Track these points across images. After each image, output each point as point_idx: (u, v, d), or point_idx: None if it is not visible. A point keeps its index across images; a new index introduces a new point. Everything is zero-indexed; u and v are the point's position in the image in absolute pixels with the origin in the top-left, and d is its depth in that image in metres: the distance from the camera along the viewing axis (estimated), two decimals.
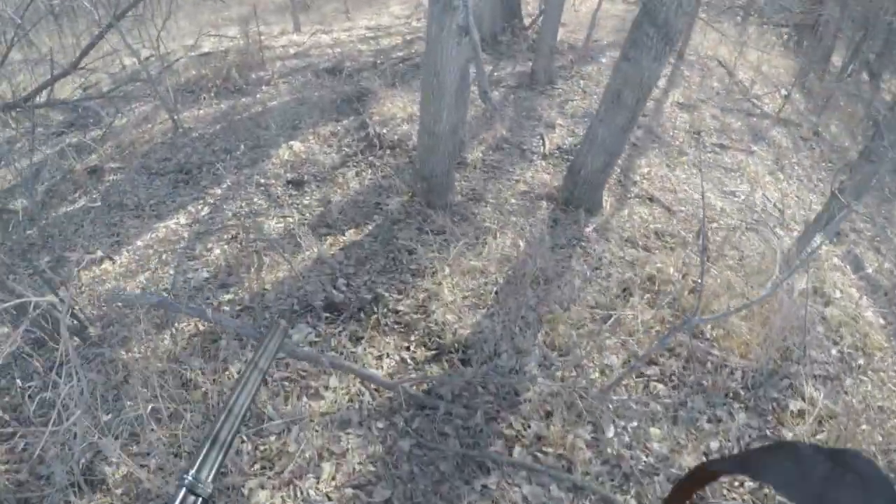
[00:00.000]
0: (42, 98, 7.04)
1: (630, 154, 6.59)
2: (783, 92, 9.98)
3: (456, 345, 3.58)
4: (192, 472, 0.87)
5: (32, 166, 7.03)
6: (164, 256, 4.88)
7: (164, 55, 9.69)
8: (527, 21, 10.42)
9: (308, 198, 5.35)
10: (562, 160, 6.18)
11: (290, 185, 5.56)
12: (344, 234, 4.67)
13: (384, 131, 6.34)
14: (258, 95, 7.89)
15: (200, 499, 0.85)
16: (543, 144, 6.42)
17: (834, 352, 4.04)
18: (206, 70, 8.84)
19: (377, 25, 11.66)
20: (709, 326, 3.90)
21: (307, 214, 5.08)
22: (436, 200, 4.85)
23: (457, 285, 4.01)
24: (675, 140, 7.31)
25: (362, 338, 3.59)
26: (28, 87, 7.08)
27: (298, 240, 4.53)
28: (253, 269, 4.24)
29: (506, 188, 5.49)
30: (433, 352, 3.55)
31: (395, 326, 3.72)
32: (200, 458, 0.89)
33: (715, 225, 5.46)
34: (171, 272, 4.64)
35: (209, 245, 4.87)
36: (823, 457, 0.51)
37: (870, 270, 5.82)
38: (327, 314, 3.76)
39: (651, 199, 5.63)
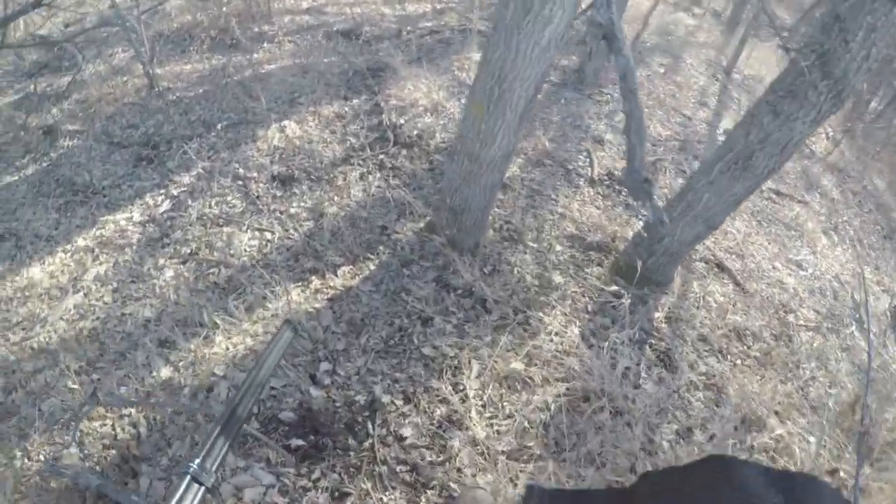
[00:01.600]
0: None
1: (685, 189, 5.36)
2: (829, 131, 8.89)
3: None
4: (197, 461, 0.88)
5: None
6: (104, 269, 3.76)
7: None
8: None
9: (296, 204, 4.18)
10: (612, 191, 4.97)
11: (276, 183, 4.39)
12: (336, 274, 3.50)
13: (401, 122, 5.12)
14: (256, 54, 6.63)
15: (203, 487, 0.85)
16: (591, 166, 5.20)
17: None
18: (202, 16, 7.57)
19: None
20: None
21: (291, 230, 3.91)
22: (463, 241, 3.68)
23: (490, 403, 2.84)
24: None
25: (349, 494, 2.36)
26: None
27: (271, 278, 3.38)
28: (201, 336, 3.08)
29: (549, 225, 4.29)
30: None
31: (399, 470, 2.49)
32: (206, 448, 0.90)
33: (795, 320, 4.24)
34: (107, 299, 3.52)
35: (160, 262, 3.74)
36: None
37: None
38: (298, 441, 2.52)
39: (720, 268, 4.43)
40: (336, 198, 4.23)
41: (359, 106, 5.46)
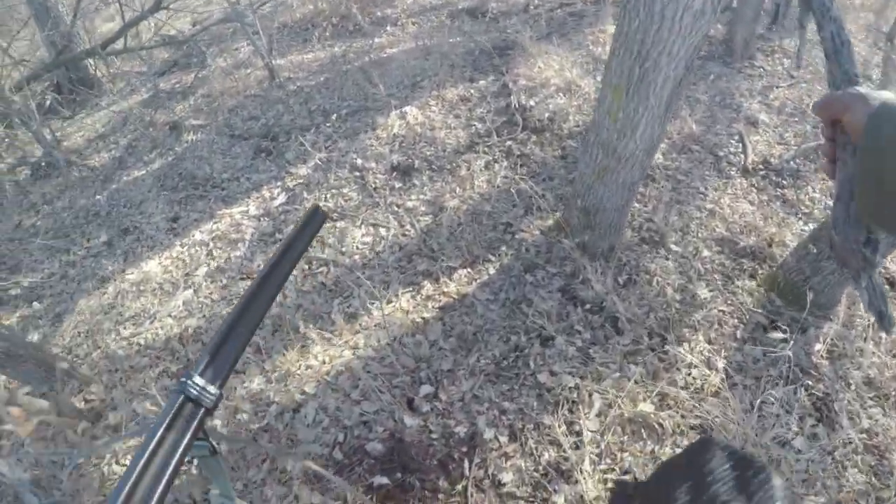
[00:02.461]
0: (120, 44, 6.04)
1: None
2: None
3: None
4: (195, 376, 0.65)
5: (119, 115, 6.11)
6: (215, 265, 3.60)
7: None
8: None
9: (415, 196, 3.79)
10: (769, 182, 4.11)
11: (395, 173, 4.03)
12: (451, 279, 3.06)
13: (531, 103, 4.57)
14: (377, 38, 6.35)
15: (202, 409, 0.64)
16: (745, 152, 4.35)
17: None
18: (323, 4, 7.44)
19: None
20: None
21: (407, 226, 3.53)
22: (595, 245, 3.09)
23: (607, 452, 2.27)
24: None
25: None
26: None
27: (381, 281, 3.00)
28: (296, 346, 2.76)
29: (695, 224, 3.56)
30: None
31: None
32: (206, 360, 0.68)
33: None
34: (215, 296, 3.34)
35: (271, 255, 3.50)
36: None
37: None
38: (383, 479, 2.12)
39: (891, 285, 3.46)
40: (458, 189, 3.80)
41: (485, 88, 4.98)
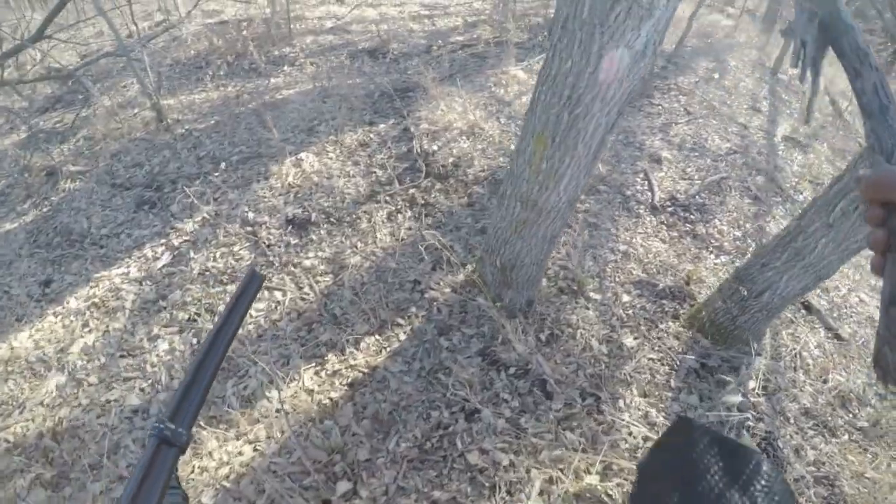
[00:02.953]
0: None
1: (755, 212, 4.59)
2: None
3: None
4: (166, 420, 0.75)
5: None
6: (92, 338, 3.20)
7: (161, 23, 8.08)
8: None
9: (312, 254, 3.55)
10: (679, 219, 4.20)
11: (290, 228, 3.78)
12: (358, 348, 2.83)
13: (434, 148, 4.47)
14: (274, 79, 6.10)
15: (175, 448, 0.74)
16: (651, 189, 4.45)
17: None
18: (219, 41, 7.12)
19: (434, 2, 9.69)
20: None
21: (306, 288, 3.29)
22: (513, 301, 2.96)
23: None
24: (797, 193, 5.18)
25: None
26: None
27: (279, 355, 2.74)
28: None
29: (611, 269, 3.55)
30: None
31: None
32: (175, 404, 0.78)
33: None
34: (93, 379, 2.94)
35: (154, 330, 3.15)
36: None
37: None
38: None
39: (808, 309, 3.63)
40: (360, 244, 3.60)
41: (385, 132, 4.84)
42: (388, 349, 2.83)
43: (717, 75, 7.57)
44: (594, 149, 2.20)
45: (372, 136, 4.77)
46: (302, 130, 4.88)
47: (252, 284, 0.97)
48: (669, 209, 4.34)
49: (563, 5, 1.92)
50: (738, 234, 4.19)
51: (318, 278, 3.34)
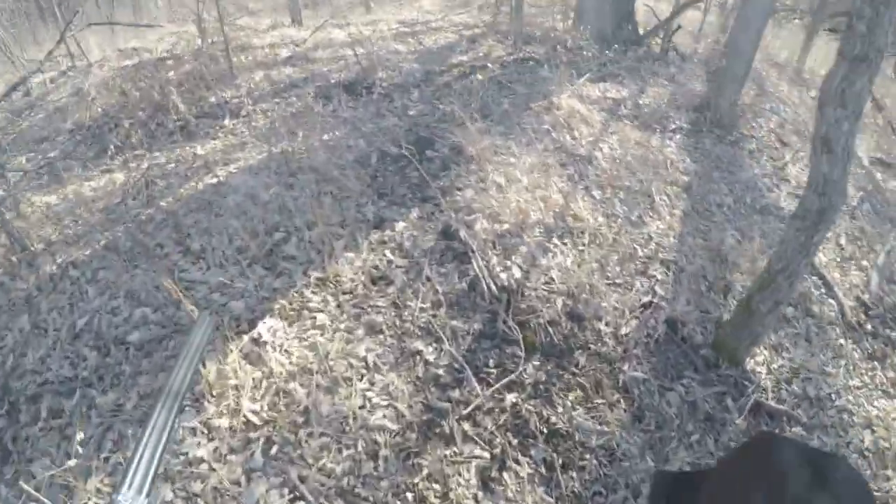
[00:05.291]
0: None
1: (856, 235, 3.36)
2: None
3: None
4: (124, 489, 0.78)
5: None
6: None
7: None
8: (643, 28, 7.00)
9: None
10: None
11: None
12: None
13: (516, 274, 2.34)
14: (208, 142, 3.97)
15: None
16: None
17: None
18: (134, 91, 4.91)
19: (411, 19, 7.61)
20: None
21: None
22: None
23: None
24: None
25: None
26: None
27: None
28: None
29: None
30: None
31: None
32: (131, 472, 0.80)
33: None
34: None
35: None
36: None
37: None
38: None
39: None
40: None
41: (411, 239, 2.70)
42: None
43: None
44: None
45: (389, 253, 2.63)
46: (252, 260, 2.69)
47: (203, 328, 1.28)
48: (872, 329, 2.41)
49: None
50: None
51: None
